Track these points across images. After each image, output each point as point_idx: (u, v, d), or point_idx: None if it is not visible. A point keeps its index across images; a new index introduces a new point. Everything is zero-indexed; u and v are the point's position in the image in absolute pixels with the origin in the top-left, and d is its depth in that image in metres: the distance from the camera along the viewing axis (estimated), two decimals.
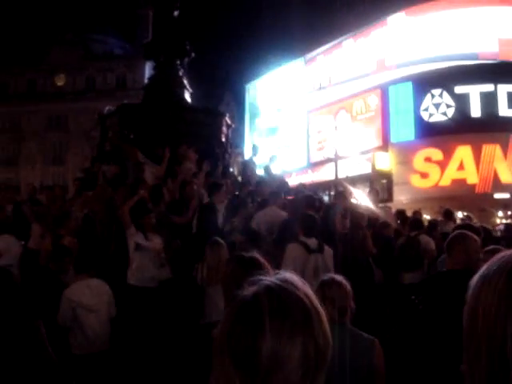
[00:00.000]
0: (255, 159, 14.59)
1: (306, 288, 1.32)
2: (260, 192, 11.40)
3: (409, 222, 10.64)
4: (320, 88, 30.68)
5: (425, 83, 25.59)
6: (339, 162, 24.39)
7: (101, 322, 6.54)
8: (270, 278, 1.33)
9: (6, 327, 3.78)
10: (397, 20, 27.81)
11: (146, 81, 26.46)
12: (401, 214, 11.79)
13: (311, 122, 30.27)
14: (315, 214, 8.13)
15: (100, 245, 9.06)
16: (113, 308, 6.77)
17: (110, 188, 10.64)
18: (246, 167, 13.82)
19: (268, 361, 1.18)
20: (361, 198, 12.58)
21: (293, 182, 20.30)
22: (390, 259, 9.31)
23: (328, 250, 7.33)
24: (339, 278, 4.10)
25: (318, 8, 39.65)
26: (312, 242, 7.19)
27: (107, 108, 17.86)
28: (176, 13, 17.55)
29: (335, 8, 37.58)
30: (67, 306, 6.29)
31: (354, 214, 9.29)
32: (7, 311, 3.87)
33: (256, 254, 3.24)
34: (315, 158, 29.42)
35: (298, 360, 1.20)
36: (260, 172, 14.04)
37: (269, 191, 10.88)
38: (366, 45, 28.62)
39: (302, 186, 12.88)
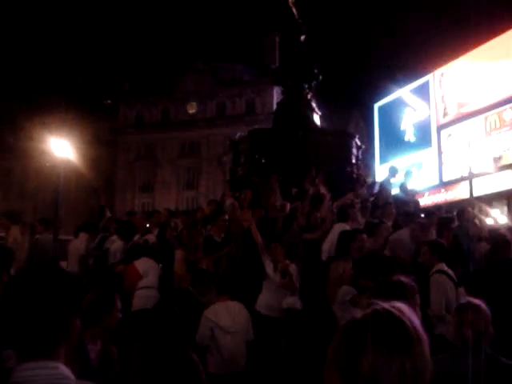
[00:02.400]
0: (392, 180, 14.18)
1: (412, 316, 1.45)
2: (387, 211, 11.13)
3: None
4: (451, 107, 29.83)
5: None
6: (474, 179, 23.53)
7: (237, 344, 6.64)
8: (383, 304, 1.46)
9: (163, 355, 3.97)
10: None
11: (274, 105, 26.95)
12: None
13: (443, 139, 29.49)
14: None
15: (237, 267, 9.26)
16: (250, 331, 6.87)
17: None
18: (383, 189, 13.43)
19: (368, 375, 1.31)
20: (499, 218, 12.05)
21: (425, 201, 19.80)
22: None
23: None
24: (477, 301, 4.00)
25: (445, 24, 38.75)
26: (448, 270, 6.92)
27: (239, 134, 18.34)
28: (302, 37, 17.79)
29: (464, 22, 36.47)
30: (206, 325, 6.47)
31: (493, 235, 8.88)
32: (167, 340, 4.05)
33: (403, 279, 3.23)
34: (448, 177, 28.57)
35: (395, 377, 1.32)
36: (396, 191, 13.62)
37: (403, 212, 10.66)
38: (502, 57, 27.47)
39: (436, 209, 12.40)
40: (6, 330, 1.83)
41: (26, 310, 1.78)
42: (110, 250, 10.65)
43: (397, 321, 1.40)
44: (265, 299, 8.51)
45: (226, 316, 6.56)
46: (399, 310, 1.44)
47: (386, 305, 1.45)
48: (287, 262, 8.60)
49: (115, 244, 10.71)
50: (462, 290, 6.67)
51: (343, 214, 10.12)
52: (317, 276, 8.70)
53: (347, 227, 9.36)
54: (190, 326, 6.35)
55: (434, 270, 6.89)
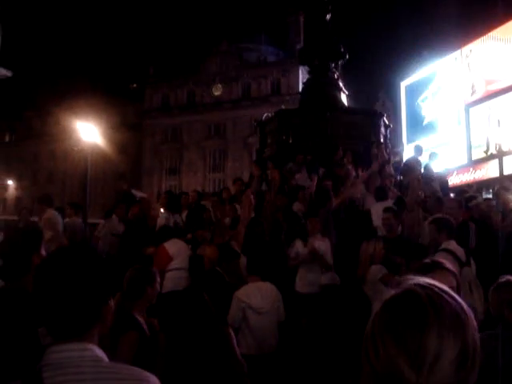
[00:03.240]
0: (420, 158, 14.00)
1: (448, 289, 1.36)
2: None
3: None
4: (479, 84, 29.40)
5: None
6: (504, 158, 23.20)
7: (269, 325, 6.62)
8: (421, 278, 1.36)
9: (200, 332, 4.06)
10: None
11: (300, 85, 26.76)
12: None
13: (471, 117, 29.09)
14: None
15: (268, 248, 9.25)
16: (281, 312, 6.84)
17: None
18: (410, 168, 13.26)
19: (434, 353, 1.23)
20: None
21: (454, 180, 19.58)
22: None
23: (473, 264, 6.68)
24: None
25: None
26: (455, 248, 6.56)
27: (265, 114, 18.25)
28: (328, 16, 17.57)
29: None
30: (237, 306, 6.46)
31: None
32: (202, 319, 4.13)
33: (440, 259, 3.18)
34: (477, 155, 28.21)
35: (456, 353, 1.24)
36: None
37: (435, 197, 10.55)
38: None
39: (468, 187, 12.27)
40: (39, 310, 1.82)
41: (60, 292, 1.77)
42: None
43: (448, 294, 1.32)
44: (302, 278, 8.59)
45: (257, 296, 6.54)
46: (435, 284, 1.35)
47: (425, 279, 1.36)
48: (319, 236, 8.70)
49: (159, 219, 10.89)
50: (467, 269, 6.47)
51: (382, 193, 10.20)
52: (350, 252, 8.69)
53: (388, 205, 9.18)
54: (221, 306, 6.35)
55: (440, 248, 6.50)
